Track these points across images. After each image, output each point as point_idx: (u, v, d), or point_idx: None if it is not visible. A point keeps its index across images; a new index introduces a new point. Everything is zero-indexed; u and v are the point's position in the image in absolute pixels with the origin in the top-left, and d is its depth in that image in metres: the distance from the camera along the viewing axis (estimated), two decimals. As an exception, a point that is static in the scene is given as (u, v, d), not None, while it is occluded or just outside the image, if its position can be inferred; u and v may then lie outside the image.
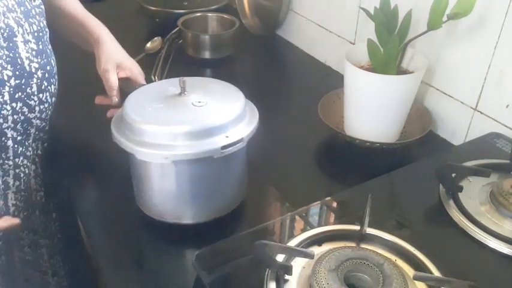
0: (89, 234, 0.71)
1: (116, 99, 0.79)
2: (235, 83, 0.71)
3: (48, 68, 0.73)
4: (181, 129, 0.62)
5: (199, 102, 0.66)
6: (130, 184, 0.71)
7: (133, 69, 0.84)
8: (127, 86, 0.81)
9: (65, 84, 0.81)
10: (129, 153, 0.63)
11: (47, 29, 0.75)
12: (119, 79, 0.80)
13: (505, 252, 0.60)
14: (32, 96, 0.71)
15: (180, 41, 1.23)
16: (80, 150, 0.89)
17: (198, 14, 1.28)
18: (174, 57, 1.18)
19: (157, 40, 1.22)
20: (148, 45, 1.20)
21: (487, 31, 0.79)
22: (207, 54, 1.17)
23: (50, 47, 0.76)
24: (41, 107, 0.73)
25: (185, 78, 0.67)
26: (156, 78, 1.06)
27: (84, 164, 0.85)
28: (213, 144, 0.62)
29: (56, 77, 0.77)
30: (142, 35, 1.27)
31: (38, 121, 0.75)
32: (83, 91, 0.92)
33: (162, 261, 0.65)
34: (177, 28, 1.22)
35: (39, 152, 0.80)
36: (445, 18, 0.76)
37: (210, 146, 0.62)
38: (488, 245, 0.61)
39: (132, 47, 1.19)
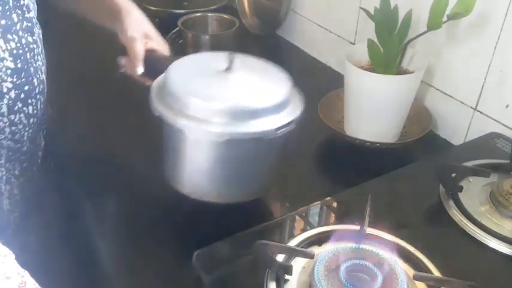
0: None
1: (140, 69, 0.74)
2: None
3: (26, 88, 0.66)
4: (236, 107, 0.59)
5: (249, 80, 0.64)
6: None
7: (161, 41, 0.80)
8: (153, 59, 0.76)
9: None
10: (172, 129, 0.61)
11: (34, 45, 0.68)
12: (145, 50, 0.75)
13: (505, 252, 0.60)
14: (1, 117, 0.65)
15: (180, 41, 1.23)
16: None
17: (198, 14, 1.28)
18: (174, 56, 1.17)
19: (157, 40, 1.22)
20: (149, 45, 1.20)
21: (487, 31, 0.79)
22: (207, 54, 1.17)
23: (38, 63, 0.69)
24: (13, 128, 0.67)
25: (233, 53, 0.64)
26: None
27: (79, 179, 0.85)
28: (268, 125, 0.60)
29: (40, 96, 0.70)
30: (143, 35, 1.27)
31: (9, 142, 0.69)
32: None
33: (161, 261, 0.65)
34: (177, 28, 1.22)
35: (15, 172, 0.75)
36: (445, 18, 0.76)
37: (265, 127, 0.60)
38: (488, 245, 0.61)
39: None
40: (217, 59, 0.65)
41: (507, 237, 0.61)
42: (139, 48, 0.74)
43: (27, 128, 0.70)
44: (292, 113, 0.63)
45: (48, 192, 0.82)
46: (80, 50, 1.16)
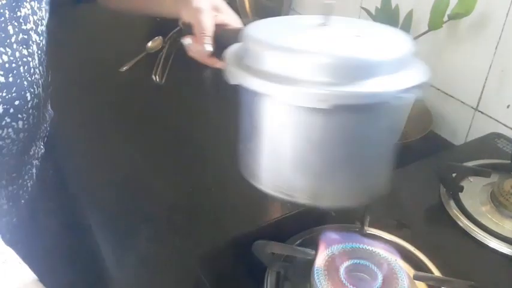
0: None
1: (208, 47, 0.63)
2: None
3: (16, 102, 0.62)
4: (343, 60, 0.43)
5: (354, 34, 0.48)
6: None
7: (232, 14, 0.67)
8: (223, 35, 0.63)
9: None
10: (252, 97, 0.46)
11: (29, 58, 0.63)
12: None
13: (506, 252, 0.60)
14: None
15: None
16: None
17: (199, 14, 1.28)
18: (175, 56, 1.17)
19: (158, 39, 1.22)
20: (150, 44, 1.20)
21: (488, 31, 0.79)
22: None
23: (34, 77, 0.64)
24: (0, 142, 0.63)
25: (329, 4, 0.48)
26: (158, 77, 1.06)
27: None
28: (386, 86, 0.43)
29: (34, 111, 0.66)
30: (144, 34, 1.27)
31: None
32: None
33: (161, 261, 0.65)
34: (178, 28, 1.21)
35: (2, 181, 0.71)
36: (446, 18, 0.76)
37: (384, 88, 0.43)
38: (489, 245, 0.61)
39: (133, 46, 1.19)
40: (305, 18, 0.52)
41: (507, 237, 0.61)
42: (207, 22, 0.63)
43: (16, 142, 0.65)
44: (415, 77, 0.46)
45: (44, 200, 0.82)
46: (81, 52, 1.16)
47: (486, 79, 0.81)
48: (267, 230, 0.63)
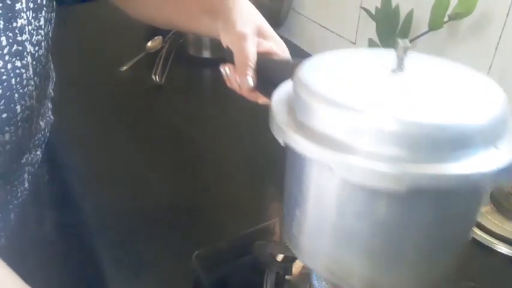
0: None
1: (250, 80, 0.54)
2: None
3: (4, 115, 0.58)
4: (421, 130, 0.33)
5: (435, 86, 0.39)
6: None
7: (279, 41, 0.58)
8: (268, 67, 0.54)
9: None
10: (305, 165, 0.39)
11: (23, 69, 0.59)
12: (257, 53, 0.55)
13: (506, 253, 0.60)
14: None
15: (181, 40, 1.23)
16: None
17: (199, 13, 1.28)
18: (174, 56, 1.17)
19: (158, 39, 1.22)
20: (149, 44, 1.20)
21: (488, 31, 0.79)
22: (208, 54, 1.17)
23: (27, 88, 0.60)
24: None
25: (405, 45, 0.39)
26: (157, 77, 1.06)
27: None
28: (477, 164, 0.33)
29: (23, 123, 0.62)
30: (143, 34, 1.27)
31: None
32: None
33: (161, 261, 0.65)
34: (178, 27, 1.22)
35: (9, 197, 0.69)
36: (446, 18, 0.76)
37: (474, 167, 0.33)
38: (489, 246, 0.61)
39: (133, 46, 1.19)
40: (374, 56, 0.43)
41: (508, 238, 0.61)
42: (250, 51, 0.54)
43: (2, 153, 0.62)
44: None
45: (38, 208, 0.81)
46: (81, 52, 1.16)
47: (486, 79, 0.81)
48: (267, 230, 0.63)
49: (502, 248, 0.60)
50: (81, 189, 0.79)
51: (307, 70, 0.41)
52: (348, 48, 0.48)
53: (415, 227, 0.38)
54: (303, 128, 0.37)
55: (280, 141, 0.39)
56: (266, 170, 0.82)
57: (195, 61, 1.18)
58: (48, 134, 0.77)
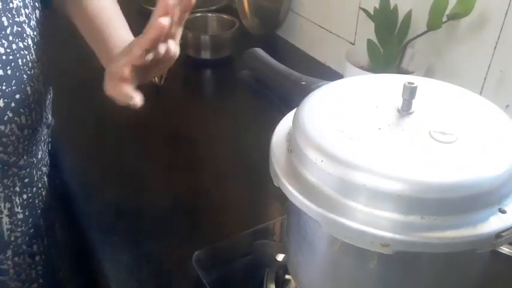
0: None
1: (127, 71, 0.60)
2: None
3: (17, 96, 0.61)
4: (423, 192, 0.32)
5: (445, 134, 0.36)
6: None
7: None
8: (269, 73, 0.52)
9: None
10: (305, 220, 0.39)
11: (26, 51, 0.62)
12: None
13: (506, 254, 0.60)
14: None
15: (180, 41, 1.23)
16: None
17: (198, 14, 1.28)
18: (174, 57, 1.18)
19: (157, 40, 1.22)
20: (149, 45, 1.20)
21: (487, 31, 0.79)
22: (207, 55, 1.17)
23: (33, 71, 0.63)
24: (4, 139, 0.62)
25: (410, 81, 0.37)
26: (157, 78, 1.06)
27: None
28: (480, 226, 0.31)
29: (35, 106, 0.65)
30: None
31: (2, 155, 0.64)
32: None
33: (161, 261, 0.65)
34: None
35: (16, 189, 0.70)
36: (444, 18, 0.76)
37: (474, 230, 0.31)
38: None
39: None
40: (380, 91, 0.41)
41: (507, 237, 0.61)
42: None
43: (21, 140, 0.65)
44: None
45: (54, 211, 0.81)
46: (80, 52, 1.16)
47: (485, 79, 0.82)
48: (267, 230, 0.64)
49: (503, 248, 0.60)
50: (81, 190, 0.79)
51: (307, 113, 0.40)
52: (354, 78, 0.46)
53: (409, 285, 0.36)
54: (298, 175, 0.37)
55: (275, 184, 0.39)
56: (266, 170, 0.82)
57: (194, 62, 1.18)
58: (50, 135, 0.78)
